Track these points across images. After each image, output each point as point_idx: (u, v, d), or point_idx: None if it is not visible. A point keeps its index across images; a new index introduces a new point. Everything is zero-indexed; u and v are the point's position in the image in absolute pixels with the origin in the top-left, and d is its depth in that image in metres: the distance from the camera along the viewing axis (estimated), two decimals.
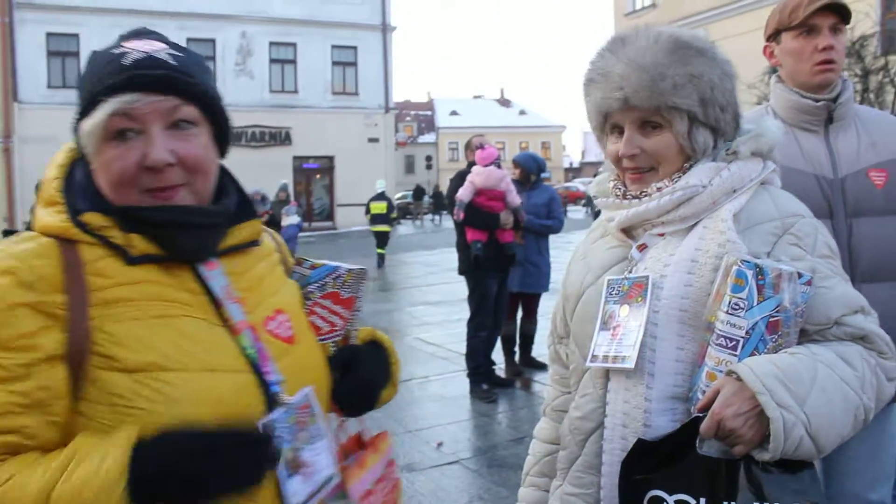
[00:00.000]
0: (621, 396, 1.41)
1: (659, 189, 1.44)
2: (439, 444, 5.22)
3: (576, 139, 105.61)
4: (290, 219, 13.34)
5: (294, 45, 31.72)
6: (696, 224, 1.43)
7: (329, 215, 32.95)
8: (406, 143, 60.19)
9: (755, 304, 1.28)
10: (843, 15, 2.23)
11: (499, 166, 6.47)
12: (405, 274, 16.64)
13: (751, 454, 1.25)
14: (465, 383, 6.51)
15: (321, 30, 31.86)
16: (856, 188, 2.19)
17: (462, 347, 6.76)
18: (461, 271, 6.55)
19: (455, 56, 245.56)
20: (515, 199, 6.40)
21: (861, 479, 2.33)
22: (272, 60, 31.53)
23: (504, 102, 76.12)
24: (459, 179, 6.47)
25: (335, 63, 32.58)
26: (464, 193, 6.28)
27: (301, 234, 13.98)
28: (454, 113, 70.74)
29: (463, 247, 6.44)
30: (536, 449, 1.74)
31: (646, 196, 1.45)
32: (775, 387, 1.23)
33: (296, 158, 31.69)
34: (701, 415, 1.26)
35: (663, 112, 1.42)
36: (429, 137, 70.94)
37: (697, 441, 1.26)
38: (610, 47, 1.48)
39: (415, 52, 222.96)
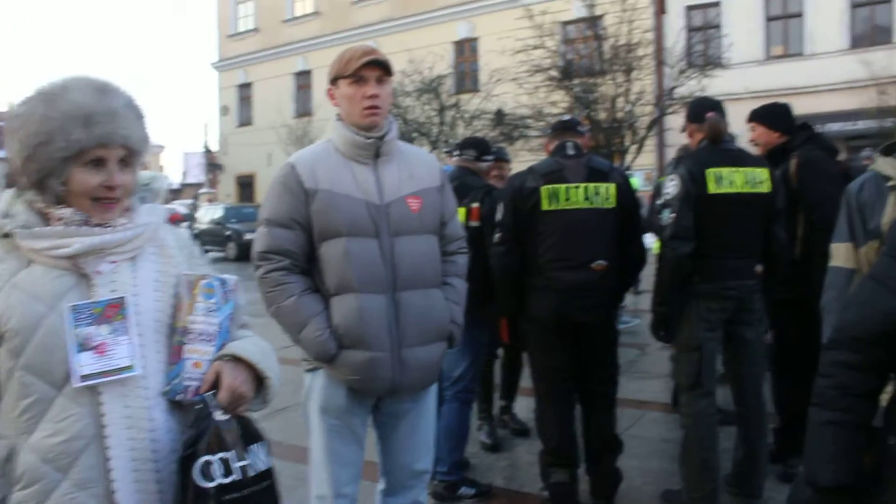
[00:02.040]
0: (120, 403, 1.60)
1: (122, 223, 1.69)
2: None
3: (175, 160, 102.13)
4: None
5: None
6: (140, 251, 1.72)
7: None
8: None
9: (222, 306, 1.72)
10: (387, 69, 2.67)
11: None
12: None
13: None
14: None
15: None
16: (397, 212, 2.62)
17: None
18: None
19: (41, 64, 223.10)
20: None
21: (408, 453, 2.79)
22: None
23: None
24: None
25: None
26: None
27: None
28: None
29: None
30: None
31: (110, 227, 1.67)
32: (260, 359, 1.70)
33: None
34: (208, 393, 1.63)
35: (136, 154, 1.70)
36: None
37: (213, 413, 1.62)
38: (98, 89, 1.65)
39: None
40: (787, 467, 4.32)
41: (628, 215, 3.97)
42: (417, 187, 2.70)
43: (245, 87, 34.24)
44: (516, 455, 5.05)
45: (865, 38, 21.23)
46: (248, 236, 21.43)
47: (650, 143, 19.43)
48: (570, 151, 3.92)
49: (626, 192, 3.96)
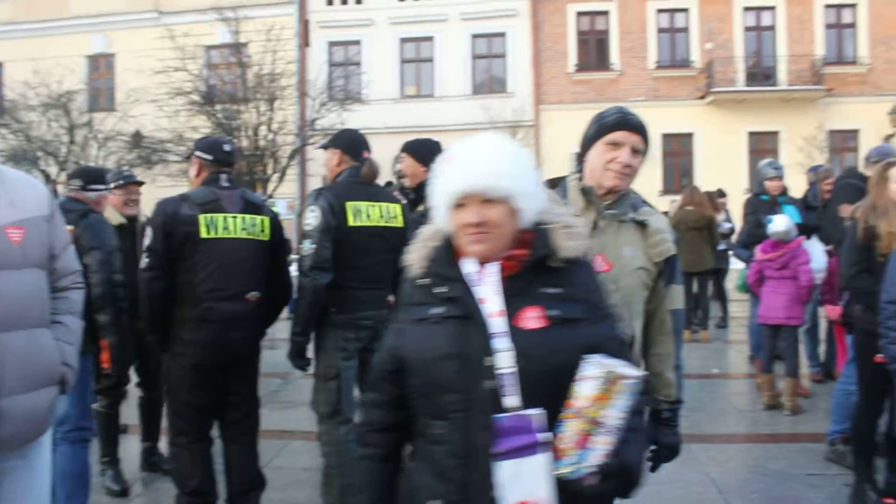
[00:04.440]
0: None
1: None
2: None
3: None
4: None
5: None
6: None
7: None
8: None
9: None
10: None
11: None
12: None
13: None
14: None
15: None
16: None
17: None
18: None
19: None
20: None
21: None
22: None
23: None
24: None
25: None
26: None
27: None
28: None
29: None
30: None
31: None
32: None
33: None
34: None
35: None
36: None
37: None
38: None
39: None
40: None
41: (278, 249, 4.00)
42: (19, 216, 2.39)
43: None
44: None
45: (485, 86, 23.78)
46: None
47: (292, 173, 19.72)
48: (225, 183, 3.88)
49: (277, 227, 4.01)
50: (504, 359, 1.72)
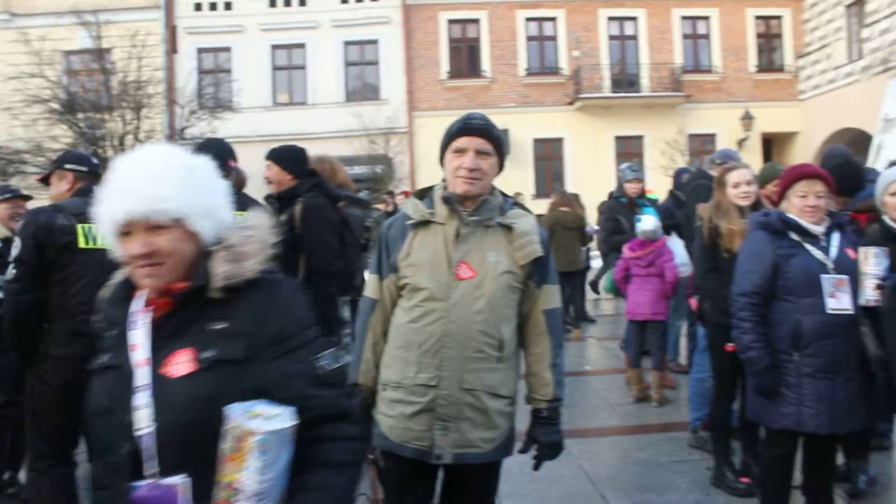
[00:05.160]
0: None
1: None
2: None
3: None
4: None
5: None
6: None
7: None
8: None
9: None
10: None
11: None
12: None
13: None
14: None
15: None
16: None
17: None
18: None
19: None
20: None
21: None
22: None
23: None
24: None
25: None
26: None
27: None
28: None
29: None
30: None
31: None
32: None
33: None
34: None
35: None
36: None
37: None
38: None
39: None
40: None
41: None
42: None
43: None
44: None
45: (357, 93, 23.75)
46: None
47: None
48: None
49: None
50: (143, 416, 1.46)
